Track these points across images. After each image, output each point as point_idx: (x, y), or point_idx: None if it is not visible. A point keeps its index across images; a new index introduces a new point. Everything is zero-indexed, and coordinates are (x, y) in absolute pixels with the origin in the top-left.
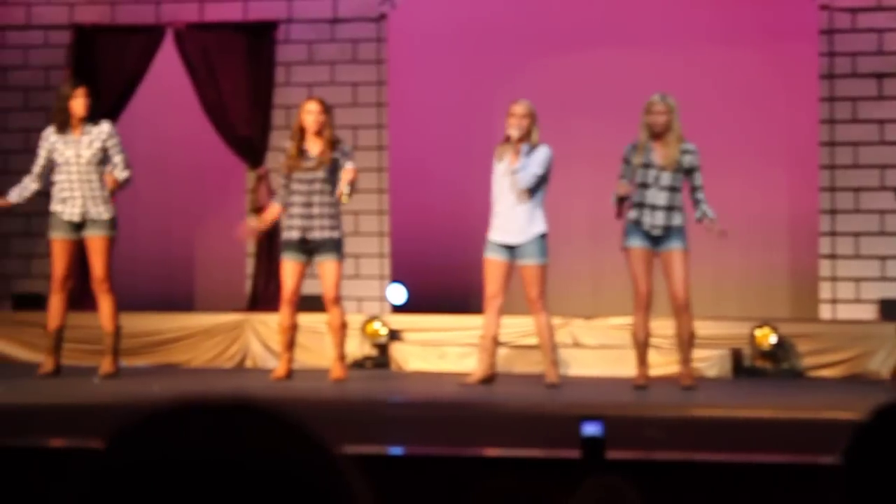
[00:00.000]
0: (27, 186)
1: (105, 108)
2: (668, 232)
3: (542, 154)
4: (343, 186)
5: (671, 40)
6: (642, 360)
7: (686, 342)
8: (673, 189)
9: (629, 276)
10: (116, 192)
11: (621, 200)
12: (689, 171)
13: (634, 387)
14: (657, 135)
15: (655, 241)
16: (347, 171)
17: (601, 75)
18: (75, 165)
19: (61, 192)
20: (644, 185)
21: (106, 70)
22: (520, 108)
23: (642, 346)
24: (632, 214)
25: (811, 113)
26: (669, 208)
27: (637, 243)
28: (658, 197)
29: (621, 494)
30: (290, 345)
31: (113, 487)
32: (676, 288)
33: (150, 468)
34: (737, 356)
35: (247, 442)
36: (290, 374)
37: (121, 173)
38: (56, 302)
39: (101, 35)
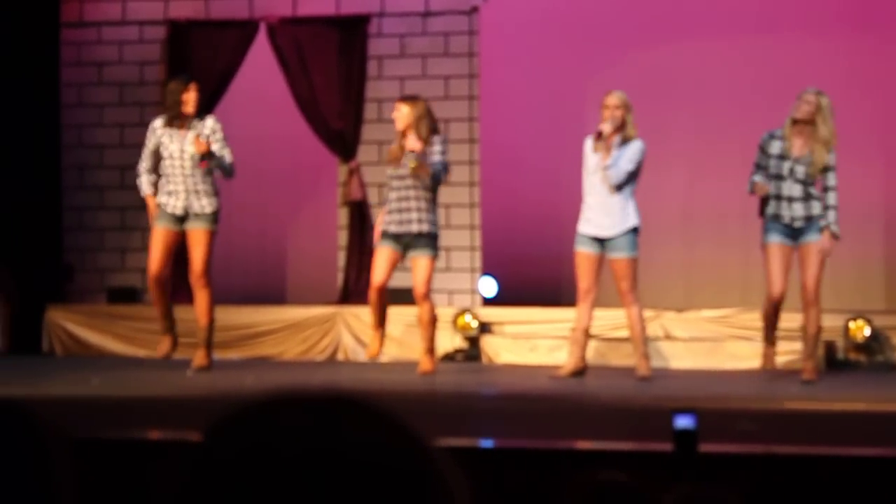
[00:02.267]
0: (149, 178)
1: (199, 102)
2: (809, 223)
3: (634, 149)
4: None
5: (766, 30)
6: (771, 340)
7: (813, 336)
8: (807, 181)
9: (764, 274)
10: (212, 165)
11: (764, 199)
12: (823, 170)
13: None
14: (798, 123)
15: (796, 234)
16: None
17: (693, 66)
18: (179, 160)
19: (166, 185)
20: (779, 177)
21: (200, 65)
22: (613, 99)
23: (771, 324)
24: (770, 209)
25: None
26: (806, 198)
27: (776, 239)
28: (794, 189)
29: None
30: (381, 321)
31: (212, 480)
32: (808, 281)
33: (247, 460)
34: (830, 349)
35: (343, 434)
36: (381, 349)
37: (227, 156)
38: (156, 290)
39: (195, 30)
